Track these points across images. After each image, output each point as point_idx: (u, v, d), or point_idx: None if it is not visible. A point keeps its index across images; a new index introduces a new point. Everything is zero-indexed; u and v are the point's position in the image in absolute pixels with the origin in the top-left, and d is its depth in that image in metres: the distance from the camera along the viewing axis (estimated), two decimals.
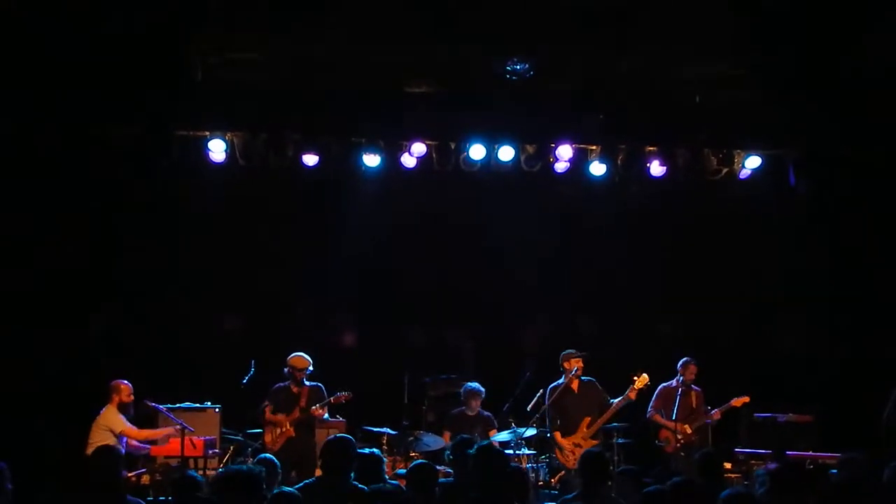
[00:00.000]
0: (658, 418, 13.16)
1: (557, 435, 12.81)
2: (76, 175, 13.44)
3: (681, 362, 13.20)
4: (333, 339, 14.67)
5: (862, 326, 14.24)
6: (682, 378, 13.12)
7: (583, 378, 12.95)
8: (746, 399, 13.09)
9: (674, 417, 12.84)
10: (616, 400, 12.73)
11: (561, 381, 12.89)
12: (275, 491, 7.24)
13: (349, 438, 8.48)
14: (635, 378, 12.68)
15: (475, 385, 13.26)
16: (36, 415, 12.89)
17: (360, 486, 7.94)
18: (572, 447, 12.62)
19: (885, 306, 14.07)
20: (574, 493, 8.18)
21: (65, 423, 12.53)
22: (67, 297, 13.66)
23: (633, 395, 12.69)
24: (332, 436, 8.55)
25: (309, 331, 14.32)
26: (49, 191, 13.35)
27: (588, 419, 12.76)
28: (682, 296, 15.04)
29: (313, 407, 12.33)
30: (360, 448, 8.90)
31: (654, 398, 13.24)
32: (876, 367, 13.13)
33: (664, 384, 13.23)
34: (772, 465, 9.68)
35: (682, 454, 12.73)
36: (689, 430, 12.91)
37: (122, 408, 11.82)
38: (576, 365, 12.84)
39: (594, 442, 12.68)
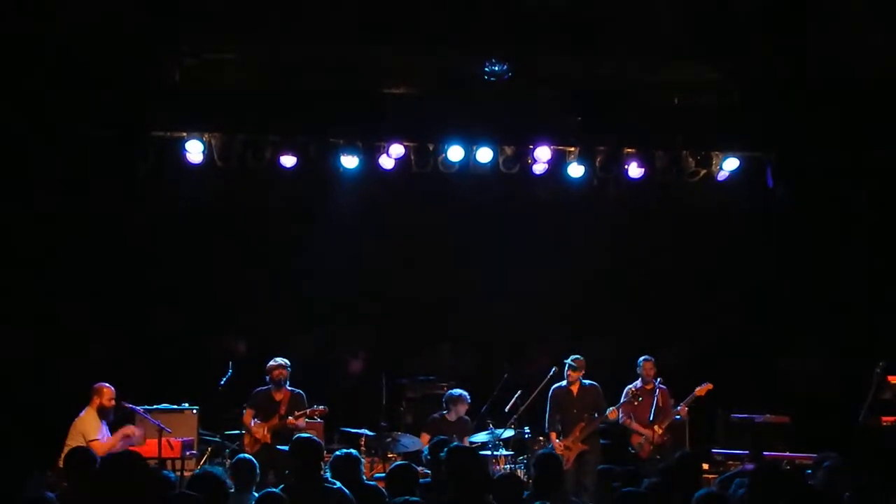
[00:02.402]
0: (629, 423, 13.12)
1: (553, 436, 12.88)
2: (52, 176, 13.38)
3: (638, 362, 13.24)
4: (311, 340, 14.62)
5: (837, 327, 14.28)
6: (643, 377, 13.13)
7: (584, 382, 13.02)
8: (710, 386, 12.95)
9: (651, 418, 12.85)
10: (609, 410, 12.82)
11: (564, 383, 12.99)
12: (262, 492, 7.23)
13: (314, 438, 8.49)
14: (630, 391, 12.75)
15: (462, 392, 13.22)
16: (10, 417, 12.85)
17: (337, 485, 7.93)
18: (563, 450, 12.62)
19: (861, 307, 14.13)
20: (527, 493, 8.19)
21: (41, 423, 12.50)
22: (41, 297, 13.61)
23: (613, 415, 12.81)
24: (296, 437, 8.54)
25: (287, 332, 14.29)
26: (24, 191, 13.29)
27: (582, 424, 12.82)
28: (658, 296, 15.08)
29: (290, 417, 12.27)
30: (337, 449, 8.90)
31: (621, 402, 13.16)
32: (852, 368, 13.15)
33: (629, 386, 13.19)
34: (749, 466, 9.73)
35: (658, 457, 12.62)
36: (659, 431, 12.87)
37: (102, 412, 11.74)
38: (574, 376, 12.92)
39: (584, 446, 12.73)
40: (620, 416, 13.11)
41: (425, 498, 7.81)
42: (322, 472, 8.26)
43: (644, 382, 13.12)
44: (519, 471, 12.58)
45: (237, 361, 12.56)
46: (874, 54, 12.47)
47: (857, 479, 7.52)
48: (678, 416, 13.06)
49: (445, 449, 7.98)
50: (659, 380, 13.08)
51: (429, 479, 9.30)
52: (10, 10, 11.63)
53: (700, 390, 13.00)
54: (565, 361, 12.94)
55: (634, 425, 13.04)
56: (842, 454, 9.25)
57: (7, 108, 12.60)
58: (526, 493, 12.14)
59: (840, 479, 7.73)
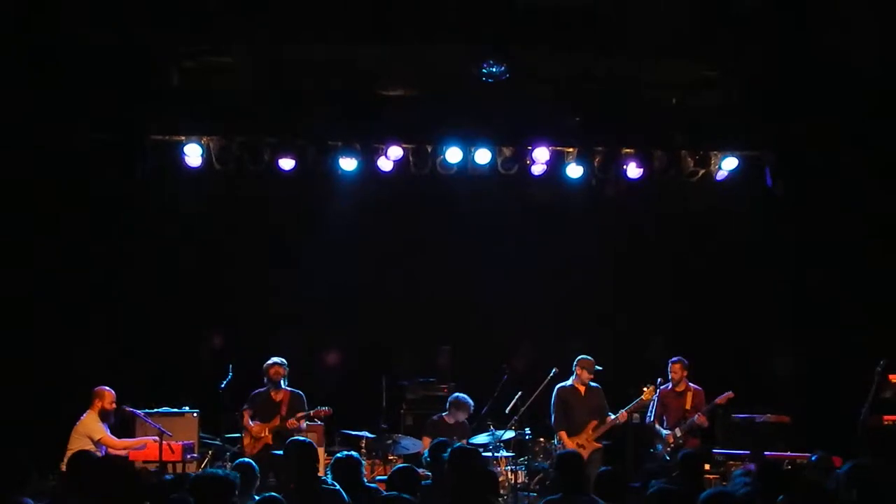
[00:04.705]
0: (656, 426, 12.96)
1: (563, 435, 12.75)
2: (51, 179, 13.37)
3: (668, 363, 13.10)
4: (310, 343, 14.61)
5: (836, 326, 14.26)
6: (671, 379, 12.98)
7: (591, 384, 12.95)
8: (731, 395, 12.73)
9: (665, 423, 12.83)
10: (611, 416, 12.73)
11: (569, 382, 12.90)
12: (260, 496, 7.22)
13: (307, 440, 8.49)
14: (644, 389, 12.67)
15: (465, 398, 13.19)
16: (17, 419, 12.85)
17: (336, 487, 7.93)
18: (575, 447, 12.55)
19: (860, 306, 14.11)
20: (559, 495, 8.16)
21: (41, 428, 12.50)
22: (41, 300, 13.60)
23: (623, 417, 12.70)
24: (290, 440, 8.54)
25: (286, 335, 14.27)
26: (23, 195, 13.28)
27: (595, 422, 12.73)
28: (658, 296, 15.08)
29: (292, 419, 12.27)
30: (338, 451, 8.90)
31: (653, 404, 12.93)
32: (853, 367, 13.13)
33: (661, 388, 12.91)
34: (750, 466, 9.71)
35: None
36: (678, 435, 12.73)
37: (103, 415, 11.81)
38: (586, 376, 12.85)
39: (597, 445, 12.72)
40: (650, 417, 13.01)
41: (427, 500, 7.81)
42: (315, 473, 8.28)
43: (674, 384, 12.95)
44: (519, 472, 12.56)
45: (237, 364, 12.56)
46: (873, 53, 12.46)
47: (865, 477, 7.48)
48: (700, 424, 12.80)
49: (449, 449, 7.99)
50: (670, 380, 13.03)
51: (429, 482, 9.31)
52: (11, 13, 11.63)
53: (721, 399, 12.76)
54: (581, 357, 12.92)
55: (658, 429, 12.92)
56: (843, 453, 9.27)
57: (7, 111, 12.58)
58: (526, 493, 12.26)
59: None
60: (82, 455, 8.93)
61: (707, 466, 12.17)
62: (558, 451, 9.31)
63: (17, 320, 13.33)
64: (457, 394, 13.31)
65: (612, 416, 12.70)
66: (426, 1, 11.86)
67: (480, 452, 10.00)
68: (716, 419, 13.35)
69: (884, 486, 6.95)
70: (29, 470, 7.73)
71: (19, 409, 12.95)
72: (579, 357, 12.90)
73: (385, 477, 10.39)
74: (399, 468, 8.26)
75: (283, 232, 14.84)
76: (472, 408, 13.13)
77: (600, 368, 12.89)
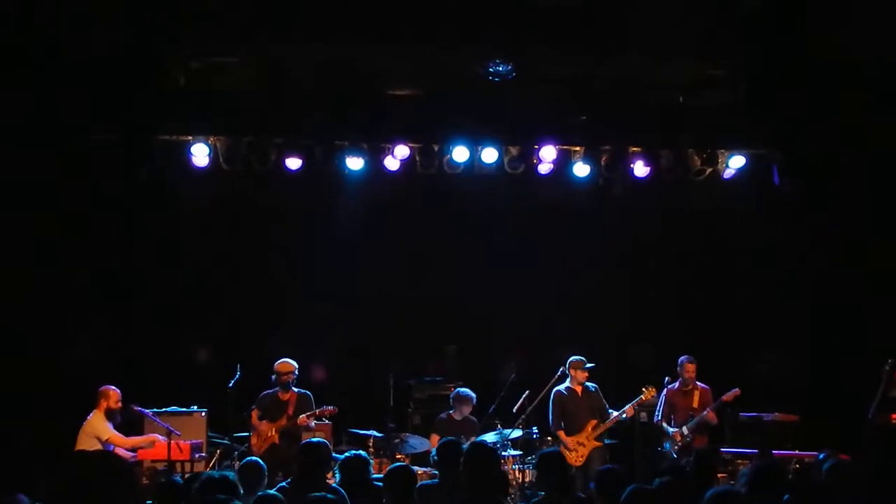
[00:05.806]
0: (664, 425, 13.03)
1: (562, 434, 12.78)
2: (57, 179, 13.38)
3: (678, 362, 13.11)
4: (318, 342, 14.61)
5: (843, 324, 14.23)
6: (681, 379, 13.02)
7: (588, 385, 12.95)
8: (738, 392, 12.76)
9: (672, 422, 12.85)
10: (615, 413, 12.74)
11: (564, 385, 12.91)
12: (259, 493, 7.23)
13: (323, 442, 8.50)
14: (644, 390, 12.66)
15: (467, 391, 13.27)
16: (22, 419, 12.86)
17: (334, 487, 7.94)
18: (576, 445, 12.60)
19: (867, 304, 14.08)
20: (540, 495, 8.16)
21: (51, 427, 12.53)
22: (49, 300, 13.62)
23: (630, 412, 12.70)
24: (306, 440, 8.56)
25: (294, 333, 14.28)
26: (29, 195, 13.28)
27: (594, 421, 12.74)
28: (665, 296, 15.06)
29: (300, 416, 12.30)
30: (346, 451, 8.90)
31: (661, 404, 13.05)
32: (860, 366, 13.11)
33: (668, 387, 13.08)
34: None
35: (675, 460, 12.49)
36: (685, 433, 12.76)
37: (110, 414, 11.82)
38: (581, 376, 12.85)
39: (598, 444, 12.73)
40: (658, 416, 13.04)
41: (427, 500, 7.81)
42: (322, 475, 8.28)
43: (683, 384, 13.01)
44: (527, 471, 12.56)
45: (246, 363, 12.57)
46: (877, 49, 12.44)
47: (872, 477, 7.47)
48: (709, 421, 12.88)
49: (461, 447, 8.00)
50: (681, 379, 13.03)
51: (437, 480, 9.30)
52: (16, 13, 11.65)
53: (728, 396, 12.79)
54: (571, 359, 12.91)
55: (666, 428, 12.97)
56: (851, 452, 9.26)
57: (13, 111, 12.59)
58: (529, 492, 12.25)
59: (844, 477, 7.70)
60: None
61: None
62: (539, 451, 9.30)
63: (17, 320, 13.32)
64: (457, 389, 13.37)
65: (616, 413, 12.70)
66: (429, 1, 11.88)
67: (497, 451, 10.00)
68: (724, 417, 13.36)
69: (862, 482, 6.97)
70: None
71: (19, 409, 12.96)
72: (570, 359, 12.91)
73: None
74: (394, 467, 8.23)
75: (290, 231, 14.85)
76: (474, 400, 13.20)
77: (592, 365, 12.90)
